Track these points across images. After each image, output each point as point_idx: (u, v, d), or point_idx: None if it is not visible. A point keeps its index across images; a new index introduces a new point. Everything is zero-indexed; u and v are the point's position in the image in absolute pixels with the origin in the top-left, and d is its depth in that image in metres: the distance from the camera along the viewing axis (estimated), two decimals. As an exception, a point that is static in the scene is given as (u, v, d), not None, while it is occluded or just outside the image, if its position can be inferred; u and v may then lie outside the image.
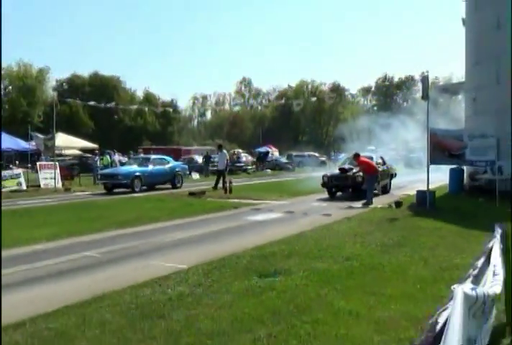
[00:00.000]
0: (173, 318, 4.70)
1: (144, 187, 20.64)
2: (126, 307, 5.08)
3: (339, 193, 17.42)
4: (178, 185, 22.29)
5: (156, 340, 4.19)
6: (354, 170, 16.45)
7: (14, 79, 59.79)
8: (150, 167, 21.12)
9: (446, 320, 2.21)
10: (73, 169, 30.60)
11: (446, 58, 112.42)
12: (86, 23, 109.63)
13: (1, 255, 4.87)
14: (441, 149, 13.71)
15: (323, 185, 17.03)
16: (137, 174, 20.30)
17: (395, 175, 20.31)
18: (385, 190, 18.16)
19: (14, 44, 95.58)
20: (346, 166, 17.23)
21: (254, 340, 4.13)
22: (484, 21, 17.24)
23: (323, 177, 17.12)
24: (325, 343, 4.04)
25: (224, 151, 23.21)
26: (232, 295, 5.42)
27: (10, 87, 60.41)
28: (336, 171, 17.16)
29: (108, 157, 28.38)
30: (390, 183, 19.06)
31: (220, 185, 20.33)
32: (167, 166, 22.21)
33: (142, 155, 27.78)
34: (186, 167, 26.30)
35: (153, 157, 23.82)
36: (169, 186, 21.99)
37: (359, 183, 16.07)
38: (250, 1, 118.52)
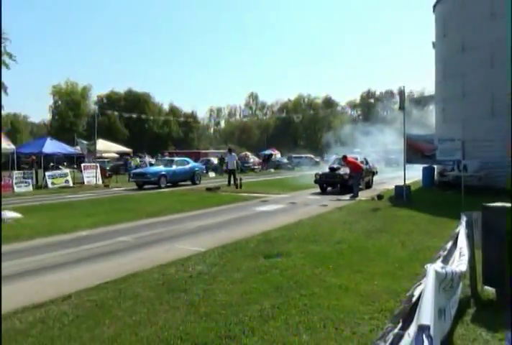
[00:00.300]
0: (193, 292, 4.70)
1: (169, 184, 20.58)
2: (154, 283, 5.08)
3: (329, 189, 17.32)
4: (197, 182, 22.30)
5: (179, 310, 4.18)
6: (342, 169, 16.42)
7: (63, 95, 59.96)
8: (174, 167, 21.14)
9: (421, 293, 2.19)
10: (119, 168, 30.81)
11: (419, 75, 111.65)
12: (123, 49, 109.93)
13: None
14: (415, 150, 13.66)
15: (316, 181, 17.01)
16: (163, 173, 20.31)
17: (377, 172, 20.29)
18: (368, 185, 18.08)
19: (63, 66, 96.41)
20: (335, 166, 17.20)
21: (261, 310, 4.12)
22: (450, 45, 17.25)
23: (315, 175, 17.16)
24: (320, 313, 4.02)
25: (233, 153, 23.18)
26: (242, 273, 5.41)
27: (59, 101, 60.53)
28: (327, 170, 17.13)
29: (137, 159, 28.41)
30: (373, 180, 18.98)
31: (232, 181, 20.37)
32: (187, 166, 22.22)
33: (167, 157, 27.82)
34: (204, 167, 26.28)
35: (176, 158, 23.83)
36: (189, 183, 22.00)
37: (345, 180, 16.03)
38: (256, 29, 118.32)
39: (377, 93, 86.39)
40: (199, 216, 10.99)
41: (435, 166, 16.94)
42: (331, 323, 3.78)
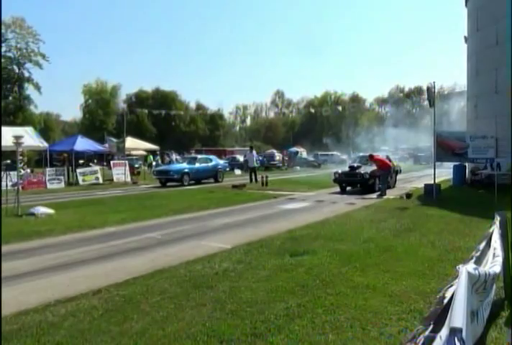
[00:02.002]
0: (219, 289, 4.72)
1: (192, 182, 20.66)
2: (181, 279, 5.14)
3: (348, 188, 16.68)
4: (220, 179, 22.26)
5: (205, 306, 4.21)
6: (363, 168, 15.88)
7: (93, 94, 61.29)
8: (197, 165, 21.18)
9: (453, 295, 2.13)
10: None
11: (450, 70, 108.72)
12: (151, 48, 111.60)
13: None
14: (445, 148, 13.36)
15: (335, 181, 16.43)
16: (186, 170, 20.40)
17: (400, 171, 19.45)
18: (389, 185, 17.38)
19: (94, 66, 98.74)
20: (356, 164, 16.61)
21: (287, 308, 4.10)
22: (483, 39, 16.74)
23: (334, 173, 16.54)
24: (346, 312, 3.97)
25: (254, 151, 23.14)
26: (268, 271, 5.40)
27: (90, 100, 61.92)
28: (347, 169, 16.55)
29: (151, 157, 28.55)
30: (396, 179, 18.18)
31: (253, 179, 20.34)
32: (210, 164, 22.21)
33: (191, 155, 28.02)
34: (226, 164, 26.24)
35: (199, 156, 23.97)
36: (212, 180, 21.98)
37: (366, 180, 15.49)
38: (282, 29, 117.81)
39: (406, 89, 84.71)
40: (225, 213, 11.04)
41: (466, 164, 16.49)
42: (358, 323, 3.73)
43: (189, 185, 20.05)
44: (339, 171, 16.57)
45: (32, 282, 5.20)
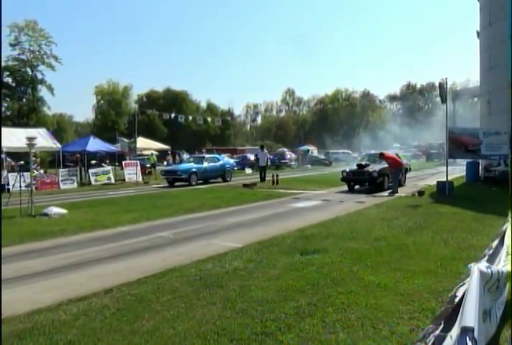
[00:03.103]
0: (230, 288, 4.72)
1: (200, 181, 20.58)
2: (191, 278, 5.15)
3: (356, 187, 16.31)
4: (228, 179, 22.13)
5: (216, 305, 4.22)
6: (371, 166, 15.55)
7: (105, 94, 61.80)
8: (205, 164, 21.00)
9: (464, 294, 2.09)
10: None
11: (463, 66, 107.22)
12: (161, 48, 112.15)
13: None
14: (458, 145, 13.20)
15: (343, 179, 16.07)
16: (194, 170, 20.26)
17: (410, 169, 19.03)
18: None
19: (105, 67, 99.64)
20: (364, 162, 16.28)
21: (297, 307, 4.09)
22: (496, 34, 16.47)
23: (342, 172, 16.19)
24: (357, 311, 3.94)
25: (265, 150, 23.01)
26: (279, 270, 5.39)
27: (102, 101, 62.45)
28: (354, 167, 16.14)
29: (155, 157, 28.61)
30: (405, 176, 17.71)
31: (263, 178, 20.33)
32: (218, 163, 22.08)
33: (200, 154, 28.04)
34: (235, 164, 26.03)
35: (207, 155, 23.81)
36: (220, 180, 21.82)
37: (374, 178, 15.15)
38: (293, 27, 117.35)
39: (418, 85, 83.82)
40: (236, 212, 11.05)
41: (480, 161, 16.27)
42: (369, 321, 3.70)
43: (197, 184, 19.98)
44: (347, 169, 16.23)
45: (45, 281, 5.27)
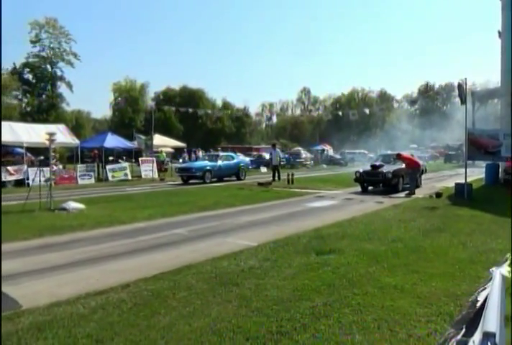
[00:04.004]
0: (245, 286, 4.74)
1: (214, 179, 20.63)
2: (207, 275, 5.18)
3: (370, 188, 16.05)
4: (242, 177, 22.09)
5: (231, 303, 4.24)
6: (385, 167, 15.29)
7: (123, 92, 62.41)
8: (219, 162, 21.02)
9: (486, 298, 2.06)
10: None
11: (483, 66, 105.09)
12: (179, 47, 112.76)
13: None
14: (477, 146, 12.97)
15: (356, 180, 15.79)
16: (208, 168, 20.28)
17: (425, 170, 18.54)
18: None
19: (123, 65, 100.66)
20: (378, 163, 16.01)
21: (313, 307, 4.08)
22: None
23: (355, 173, 15.92)
24: (373, 313, 3.91)
25: (277, 149, 22.91)
26: (294, 269, 5.39)
27: (119, 98, 63.11)
28: (368, 168, 15.89)
29: (164, 154, 28.81)
30: (421, 178, 17.31)
31: (276, 177, 20.31)
32: (232, 161, 22.08)
33: (215, 152, 28.14)
34: (249, 162, 26.02)
35: (221, 154, 23.84)
36: (234, 178, 21.82)
37: (388, 179, 14.83)
38: (310, 25, 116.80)
39: (436, 86, 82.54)
40: (251, 211, 11.07)
41: (500, 163, 15.98)
42: (386, 324, 3.67)
43: (211, 182, 20.01)
44: (360, 170, 15.97)
45: (63, 275, 5.36)
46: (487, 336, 1.71)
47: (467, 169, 13.24)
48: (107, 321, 3.82)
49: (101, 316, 3.94)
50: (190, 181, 20.25)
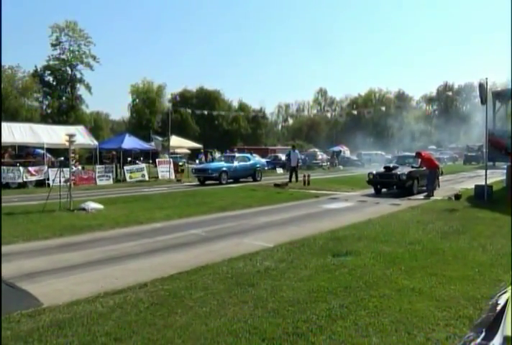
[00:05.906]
0: (261, 287, 4.74)
1: (230, 180, 20.65)
2: (223, 276, 5.20)
3: (384, 190, 15.67)
4: (258, 178, 22.08)
5: (247, 304, 4.25)
6: (399, 169, 14.97)
7: (140, 93, 63.10)
8: (235, 164, 21.09)
9: (506, 302, 2.03)
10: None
11: (503, 65, 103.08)
12: (195, 49, 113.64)
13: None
14: (498, 147, 12.75)
15: (369, 182, 15.47)
16: (224, 169, 20.36)
17: (442, 172, 17.75)
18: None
19: (141, 67, 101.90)
20: (392, 165, 15.73)
21: (329, 309, 4.06)
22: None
23: (368, 174, 15.60)
24: (391, 315, 3.87)
25: (296, 151, 22.85)
26: (310, 270, 5.37)
27: (137, 100, 63.79)
28: (382, 169, 15.56)
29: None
30: (439, 180, 16.57)
31: (294, 178, 20.27)
32: (248, 163, 22.11)
33: (231, 153, 28.26)
34: (265, 163, 26.01)
35: (237, 155, 23.89)
36: (250, 179, 21.80)
37: (402, 181, 14.47)
38: (327, 28, 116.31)
39: (455, 86, 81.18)
40: (267, 212, 11.07)
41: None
42: (403, 327, 3.63)
43: (227, 183, 20.04)
44: (374, 172, 15.65)
45: (83, 274, 5.45)
46: (508, 340, 1.68)
47: (488, 171, 13.00)
48: (125, 320, 3.87)
49: (119, 315, 3.99)
50: (207, 182, 20.34)
